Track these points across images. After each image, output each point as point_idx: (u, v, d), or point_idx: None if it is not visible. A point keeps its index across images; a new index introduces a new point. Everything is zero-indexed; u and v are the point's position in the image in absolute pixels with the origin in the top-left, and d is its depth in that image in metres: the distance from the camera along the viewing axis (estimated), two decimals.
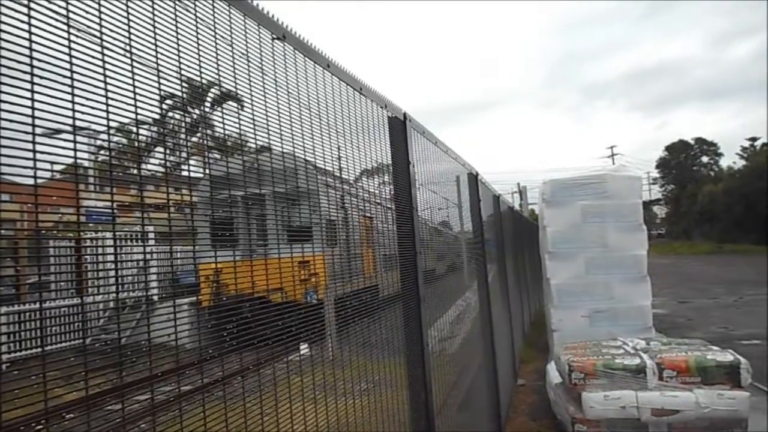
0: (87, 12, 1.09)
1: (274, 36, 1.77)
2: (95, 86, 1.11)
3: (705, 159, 74.21)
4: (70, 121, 1.06)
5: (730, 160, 75.31)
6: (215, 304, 1.64)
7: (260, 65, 1.67)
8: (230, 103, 1.56)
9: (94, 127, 1.13)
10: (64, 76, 1.05)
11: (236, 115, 1.56)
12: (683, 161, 74.22)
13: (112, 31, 1.13)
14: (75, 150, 1.06)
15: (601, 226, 8.64)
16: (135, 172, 1.28)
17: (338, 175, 2.32)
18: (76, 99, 1.06)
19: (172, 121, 1.52)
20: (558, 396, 6.49)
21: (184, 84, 1.36)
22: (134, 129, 1.24)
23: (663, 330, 10.08)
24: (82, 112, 1.06)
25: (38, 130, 1.00)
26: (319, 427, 1.91)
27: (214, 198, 1.60)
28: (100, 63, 1.11)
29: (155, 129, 1.36)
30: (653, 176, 76.33)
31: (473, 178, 6.08)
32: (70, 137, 1.06)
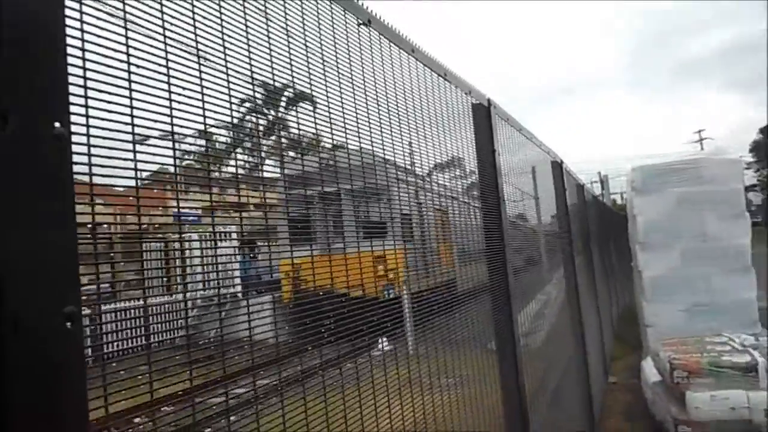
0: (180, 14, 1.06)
1: (360, 21, 1.72)
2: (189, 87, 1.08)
3: None
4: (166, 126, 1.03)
5: None
6: (307, 299, 1.62)
7: (347, 51, 1.63)
8: (320, 90, 1.51)
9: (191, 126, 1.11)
10: (161, 81, 1.02)
11: (326, 102, 1.51)
12: None
13: (203, 24, 1.11)
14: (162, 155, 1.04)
15: (698, 214, 8.03)
16: (217, 173, 1.26)
17: (425, 164, 2.24)
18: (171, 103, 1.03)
19: (263, 111, 1.50)
20: (657, 395, 6.11)
21: (275, 73, 1.33)
22: (229, 123, 1.21)
23: None
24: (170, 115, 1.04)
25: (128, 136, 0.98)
26: (422, 420, 1.89)
27: (308, 193, 1.58)
28: (196, 64, 1.08)
29: (249, 121, 1.34)
30: (747, 161, 71.04)
31: (558, 167, 5.84)
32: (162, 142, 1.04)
